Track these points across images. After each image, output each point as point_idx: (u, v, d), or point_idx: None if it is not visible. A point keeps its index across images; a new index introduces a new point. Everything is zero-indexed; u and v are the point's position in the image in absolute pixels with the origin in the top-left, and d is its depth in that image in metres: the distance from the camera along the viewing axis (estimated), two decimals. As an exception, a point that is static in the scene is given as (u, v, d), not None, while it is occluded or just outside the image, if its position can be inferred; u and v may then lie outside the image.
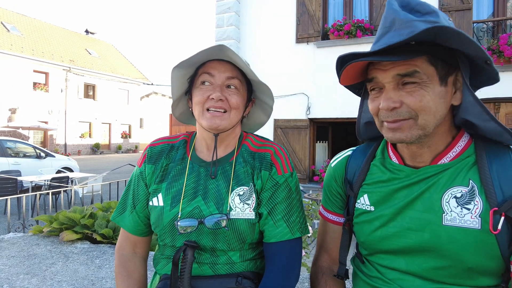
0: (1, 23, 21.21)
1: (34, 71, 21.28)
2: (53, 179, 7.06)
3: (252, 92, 1.02)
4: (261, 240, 0.96)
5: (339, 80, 0.77)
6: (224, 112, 0.92)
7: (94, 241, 3.02)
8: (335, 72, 0.78)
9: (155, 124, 32.77)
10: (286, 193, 0.94)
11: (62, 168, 9.90)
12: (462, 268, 0.70)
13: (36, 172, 8.83)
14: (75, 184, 7.75)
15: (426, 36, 0.64)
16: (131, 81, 28.25)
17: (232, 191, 0.92)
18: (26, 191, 7.74)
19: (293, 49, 6.99)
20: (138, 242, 1.03)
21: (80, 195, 7.05)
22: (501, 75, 5.52)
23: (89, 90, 25.39)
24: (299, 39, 6.91)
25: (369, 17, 6.72)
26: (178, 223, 0.89)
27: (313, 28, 6.80)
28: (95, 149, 25.23)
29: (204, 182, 0.94)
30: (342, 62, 0.75)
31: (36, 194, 5.64)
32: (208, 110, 0.91)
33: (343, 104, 6.49)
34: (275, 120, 7.07)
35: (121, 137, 28.01)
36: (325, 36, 6.83)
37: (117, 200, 5.80)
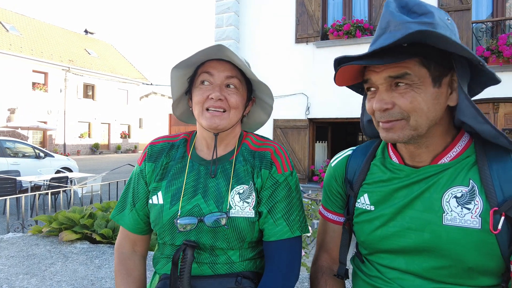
0: (0, 23, 21.19)
1: (33, 71, 21.27)
2: (52, 179, 7.06)
3: (252, 92, 1.03)
4: (261, 239, 0.96)
5: (334, 82, 0.78)
6: (224, 111, 0.92)
7: (93, 241, 3.02)
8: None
9: (154, 124, 32.75)
10: (286, 191, 0.94)
11: (61, 168, 9.90)
12: (462, 268, 0.70)
13: (35, 172, 8.82)
14: (74, 184, 7.74)
15: (415, 38, 0.64)
16: (130, 81, 28.24)
17: (232, 189, 0.92)
18: (25, 191, 7.73)
19: (292, 49, 6.99)
20: (138, 240, 1.03)
21: (79, 195, 7.04)
22: (500, 75, 5.53)
23: (88, 90, 25.37)
24: (299, 39, 6.91)
25: (368, 17, 6.73)
26: (178, 221, 0.90)
27: (312, 28, 6.81)
28: (94, 149, 25.21)
29: (204, 180, 0.95)
30: (339, 64, 0.76)
31: (35, 194, 5.63)
32: (207, 109, 0.92)
33: (343, 104, 6.50)
34: (275, 120, 7.07)
35: (120, 137, 28.00)
36: (324, 36, 6.84)
37: (117, 200, 5.79)
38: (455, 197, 0.72)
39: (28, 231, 3.41)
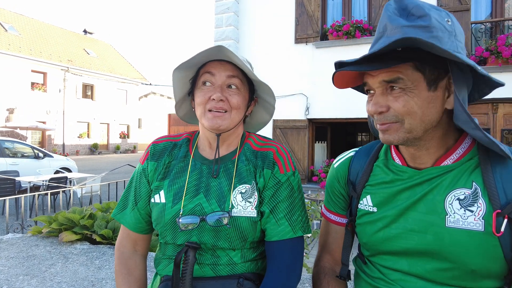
0: (-1, 23, 21.14)
1: (32, 71, 21.23)
2: (51, 180, 7.04)
3: (254, 92, 1.03)
4: (263, 239, 0.96)
5: (333, 83, 0.80)
6: (225, 112, 0.92)
7: (93, 242, 3.02)
8: None
9: (153, 124, 32.70)
10: (288, 191, 0.94)
11: (61, 168, 9.88)
12: (465, 270, 0.70)
13: (34, 172, 8.80)
14: (74, 185, 7.73)
15: (406, 43, 0.64)
16: (129, 81, 28.21)
17: (234, 188, 0.92)
18: (24, 191, 7.72)
19: (292, 49, 6.99)
20: (139, 239, 1.03)
21: (79, 196, 7.03)
22: (500, 75, 5.54)
23: (87, 90, 25.34)
24: (298, 40, 6.91)
25: (367, 17, 6.73)
26: (180, 220, 0.90)
27: (312, 28, 6.81)
28: (93, 149, 25.18)
29: (206, 179, 0.95)
30: (340, 66, 0.77)
31: (34, 195, 5.62)
32: (210, 111, 0.92)
33: (342, 105, 6.50)
34: (274, 121, 7.07)
35: (120, 137, 27.96)
36: (324, 37, 6.84)
37: (116, 201, 5.79)
38: (458, 199, 0.72)
39: (27, 231, 3.40)
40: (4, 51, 19.28)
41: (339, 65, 0.75)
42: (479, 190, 0.71)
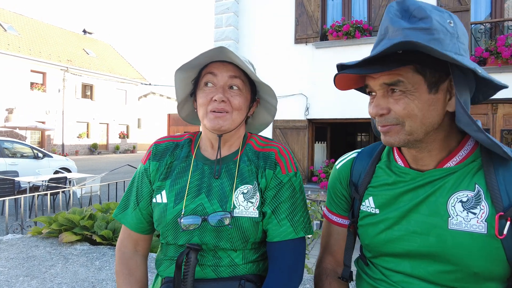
0: (-2, 22, 21.12)
1: (32, 71, 21.20)
2: (51, 180, 7.04)
3: (256, 93, 1.03)
4: (264, 240, 0.96)
5: (335, 85, 0.80)
6: (227, 113, 0.92)
7: (93, 243, 3.01)
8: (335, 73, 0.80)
9: (153, 124, 32.67)
10: (290, 192, 0.94)
11: (60, 168, 9.87)
12: (467, 272, 0.70)
13: (33, 172, 8.79)
14: (73, 185, 7.72)
15: (406, 46, 0.64)
16: (129, 81, 28.20)
17: (236, 189, 0.92)
18: (24, 191, 7.71)
19: (291, 49, 7.00)
20: (140, 240, 1.03)
21: (78, 196, 7.02)
22: (499, 76, 5.55)
23: (87, 90, 25.32)
24: (298, 40, 6.91)
25: (367, 18, 6.73)
26: (182, 220, 0.90)
27: (311, 28, 6.81)
28: (93, 149, 25.16)
29: (208, 180, 0.95)
30: (341, 69, 0.77)
31: (34, 195, 5.61)
32: (211, 111, 0.92)
33: (342, 105, 6.50)
34: (274, 121, 7.06)
35: (119, 137, 27.95)
36: (323, 37, 6.84)
37: (116, 201, 5.79)
38: (461, 201, 0.72)
39: (27, 232, 3.39)
40: (4, 51, 19.25)
41: (341, 67, 0.76)
42: (481, 192, 0.71)
